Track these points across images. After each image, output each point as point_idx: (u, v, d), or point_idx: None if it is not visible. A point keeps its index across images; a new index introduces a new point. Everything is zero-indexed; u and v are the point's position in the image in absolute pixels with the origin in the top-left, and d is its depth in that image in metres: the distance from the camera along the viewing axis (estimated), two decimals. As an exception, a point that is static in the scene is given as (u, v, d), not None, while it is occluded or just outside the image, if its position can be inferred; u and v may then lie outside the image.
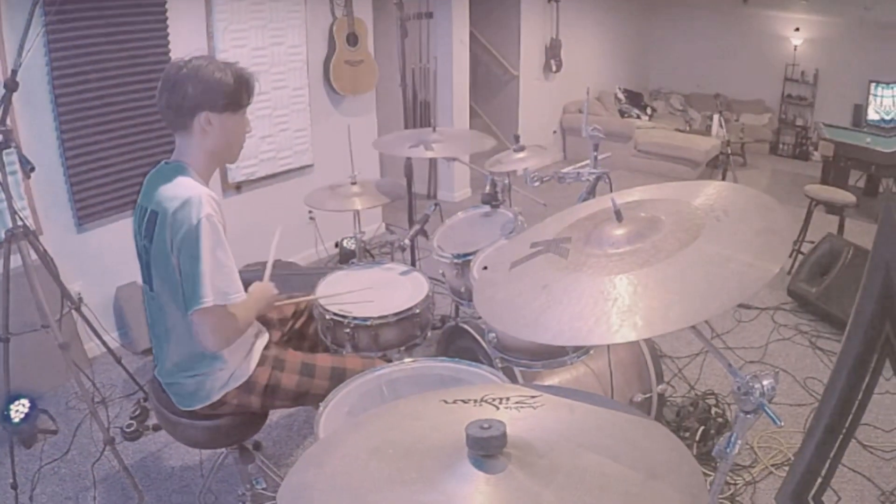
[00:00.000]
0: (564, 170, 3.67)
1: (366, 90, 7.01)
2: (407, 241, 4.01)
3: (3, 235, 3.53)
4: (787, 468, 3.60)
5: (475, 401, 1.58)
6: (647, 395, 3.37)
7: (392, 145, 4.29)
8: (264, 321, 3.07)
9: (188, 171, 2.54)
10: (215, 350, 2.56)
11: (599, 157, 3.66)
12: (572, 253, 1.84)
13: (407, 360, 2.65)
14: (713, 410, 3.85)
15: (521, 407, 1.55)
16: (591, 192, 3.59)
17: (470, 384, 2.44)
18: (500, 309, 1.85)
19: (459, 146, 4.19)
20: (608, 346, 3.16)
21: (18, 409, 3.98)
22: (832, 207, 6.49)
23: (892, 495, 3.46)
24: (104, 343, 4.29)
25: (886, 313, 2.19)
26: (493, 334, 2.87)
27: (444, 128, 4.40)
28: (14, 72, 3.27)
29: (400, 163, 4.84)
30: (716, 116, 10.47)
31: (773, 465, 3.68)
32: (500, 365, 2.90)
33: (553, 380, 3.21)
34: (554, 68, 10.44)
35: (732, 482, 3.55)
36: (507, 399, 1.58)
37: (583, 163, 3.69)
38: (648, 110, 12.23)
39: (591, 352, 2.94)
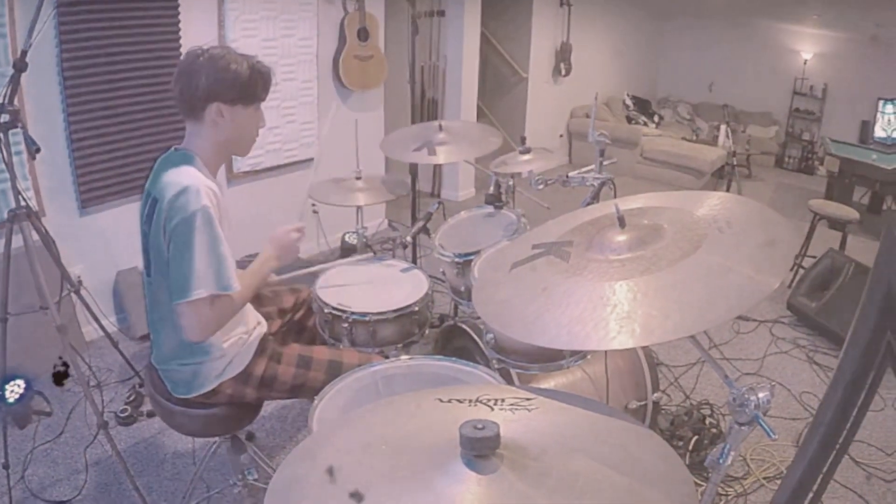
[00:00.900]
0: (569, 174, 3.66)
1: (374, 86, 7.01)
2: (409, 239, 4.01)
3: (5, 215, 3.53)
4: (779, 481, 3.60)
5: (470, 401, 1.58)
6: (643, 403, 3.37)
7: (397, 147, 4.28)
8: (263, 312, 3.07)
9: (195, 160, 2.54)
10: (199, 340, 2.55)
11: (605, 163, 3.66)
12: (573, 257, 1.85)
13: (404, 357, 2.65)
14: (707, 421, 3.85)
15: (516, 409, 1.55)
16: (595, 198, 3.59)
17: (466, 384, 2.44)
18: (498, 309, 1.85)
19: (465, 144, 4.17)
20: (605, 351, 3.16)
21: (13, 390, 3.98)
22: (835, 223, 6.49)
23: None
24: (102, 327, 4.29)
25: (888, 324, 2.18)
26: (491, 335, 2.87)
27: (450, 122, 4.37)
28: (24, 52, 3.27)
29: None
30: (723, 127, 10.46)
31: (765, 478, 3.68)
32: (496, 366, 2.90)
33: (549, 383, 3.20)
34: (563, 72, 10.45)
35: (724, 493, 3.55)
36: (503, 400, 1.58)
37: (588, 167, 3.69)
38: (656, 118, 12.23)
39: (589, 357, 2.93)
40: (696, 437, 3.68)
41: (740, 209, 1.88)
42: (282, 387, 2.82)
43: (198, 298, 2.36)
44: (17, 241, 3.45)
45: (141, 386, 4.30)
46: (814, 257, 5.95)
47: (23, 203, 3.48)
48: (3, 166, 3.36)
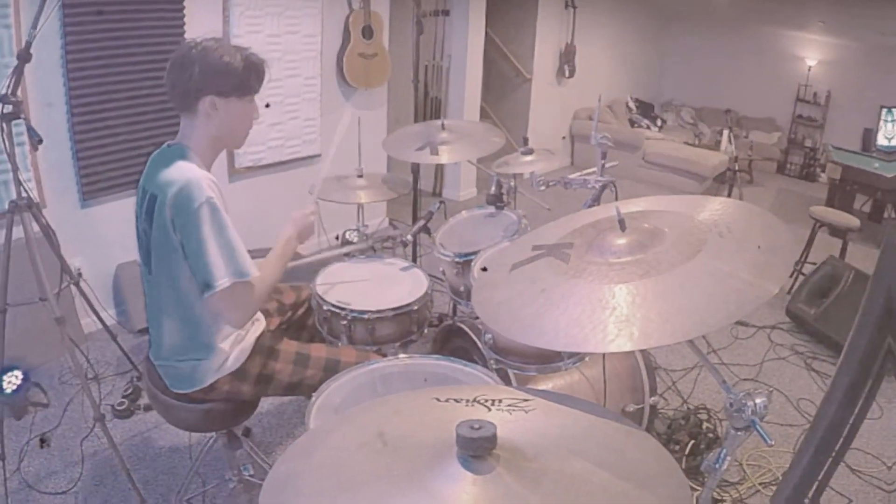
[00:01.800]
0: (571, 176, 3.67)
1: (378, 84, 7.01)
2: (409, 237, 4.00)
3: (6, 206, 3.53)
4: (774, 487, 3.60)
5: (467, 401, 1.59)
6: (640, 406, 3.38)
7: (400, 146, 4.27)
8: (262, 310, 3.07)
9: (189, 154, 2.54)
10: (241, 326, 2.63)
11: (607, 166, 3.66)
12: (573, 259, 1.85)
13: (402, 355, 2.65)
14: (704, 425, 3.85)
15: (513, 410, 1.55)
16: (597, 200, 3.59)
17: (464, 384, 2.44)
18: (497, 310, 1.85)
19: (467, 144, 4.17)
20: (603, 354, 3.17)
21: (11, 381, 3.98)
22: (836, 230, 6.49)
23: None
24: (101, 320, 4.29)
25: (889, 330, 2.18)
26: (490, 335, 2.87)
27: (452, 121, 4.37)
28: (28, 43, 3.26)
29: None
30: (725, 132, 10.45)
31: (760, 484, 3.67)
32: (494, 366, 2.90)
33: (547, 384, 3.21)
34: (567, 74, 10.44)
35: (720, 498, 3.55)
36: (500, 401, 1.58)
37: (590, 170, 3.69)
38: (659, 121, 12.22)
39: (587, 359, 2.93)
40: (692, 442, 3.68)
41: (741, 214, 1.88)
42: (278, 384, 2.82)
43: (222, 288, 2.38)
44: (17, 231, 3.45)
45: (139, 379, 4.30)
46: (814, 264, 5.95)
47: (24, 194, 3.48)
48: (6, 157, 3.37)
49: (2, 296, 3.44)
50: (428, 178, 8.75)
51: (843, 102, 11.39)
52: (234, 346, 2.70)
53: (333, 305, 3.16)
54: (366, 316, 3.14)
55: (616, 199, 3.31)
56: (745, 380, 4.82)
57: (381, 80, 6.99)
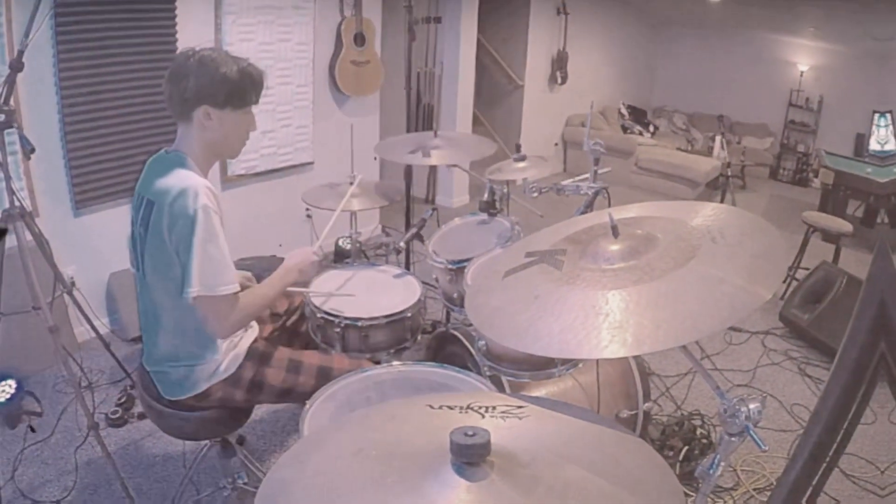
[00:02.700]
0: (564, 182, 3.67)
1: (370, 91, 7.01)
2: (402, 245, 4.01)
3: (-1, 215, 3.53)
4: (769, 493, 3.60)
5: (461, 408, 1.59)
6: (633, 412, 3.38)
7: (392, 150, 4.28)
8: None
9: (187, 161, 2.54)
10: (221, 337, 2.61)
11: (599, 172, 3.66)
12: (566, 265, 1.85)
13: (395, 363, 2.65)
14: (698, 431, 3.85)
15: (507, 417, 1.55)
16: (590, 206, 3.60)
17: (457, 391, 2.44)
18: (491, 317, 1.85)
19: (460, 152, 4.18)
20: (597, 360, 3.17)
21: (4, 390, 3.97)
22: (829, 235, 6.50)
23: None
24: (94, 328, 4.29)
25: (881, 335, 2.19)
26: (483, 342, 2.87)
27: (445, 131, 4.38)
28: (20, 52, 3.27)
29: (400, 165, 4.85)
30: (718, 138, 10.47)
31: (755, 490, 3.68)
32: (488, 373, 2.90)
33: (540, 391, 3.21)
34: (559, 80, 10.45)
35: (713, 504, 3.56)
36: (494, 408, 1.58)
37: (582, 176, 3.70)
38: (651, 127, 12.23)
39: (580, 365, 2.93)
40: (686, 448, 3.68)
41: (734, 220, 1.89)
42: (271, 391, 2.82)
43: (195, 297, 2.40)
44: (10, 240, 3.44)
45: (132, 388, 4.29)
46: (807, 269, 5.96)
47: (17, 203, 3.48)
48: (-2, 166, 3.36)
49: (-5, 305, 3.44)
50: (420, 186, 8.74)
51: (835, 107, 11.40)
52: (227, 352, 2.71)
53: (327, 313, 3.16)
54: (359, 323, 3.13)
55: (609, 205, 3.31)
56: (738, 385, 4.83)
57: (373, 87, 6.99)
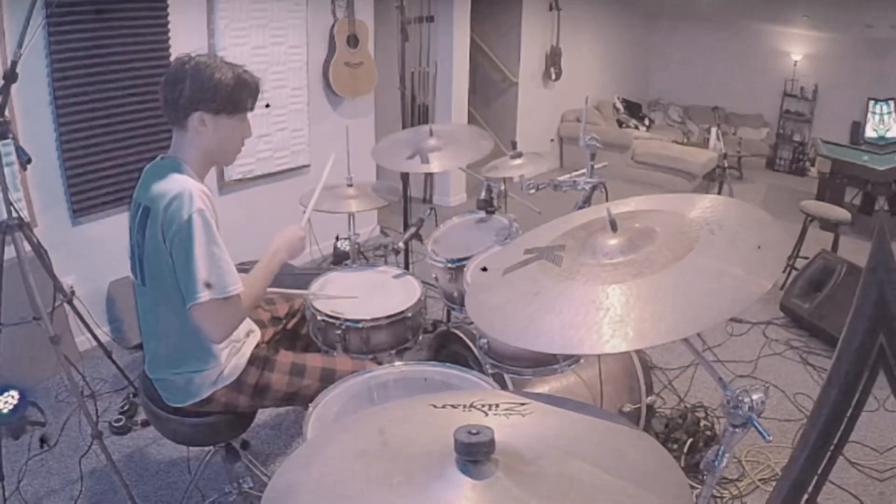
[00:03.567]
0: (561, 178, 3.67)
1: (365, 92, 7.01)
2: (401, 245, 4.01)
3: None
4: (774, 483, 3.60)
5: (464, 406, 1.59)
6: (637, 406, 3.38)
7: (389, 155, 4.27)
8: (256, 321, 3.07)
9: (182, 166, 2.53)
10: (219, 341, 2.57)
11: (596, 167, 3.66)
12: (566, 261, 1.85)
13: (398, 363, 2.65)
14: (702, 423, 3.85)
15: (511, 414, 1.55)
16: (587, 202, 3.60)
17: (460, 389, 2.44)
18: (491, 315, 1.86)
19: (458, 153, 4.17)
20: (599, 355, 3.17)
21: (7, 401, 3.97)
22: (827, 224, 6.50)
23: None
24: (95, 337, 4.28)
25: (881, 326, 2.19)
26: (485, 340, 2.86)
27: (440, 126, 4.37)
28: (14, 63, 3.26)
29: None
30: (713, 129, 10.50)
31: (760, 480, 3.68)
32: (490, 371, 2.89)
33: (543, 388, 3.21)
34: (553, 76, 10.45)
35: (719, 495, 3.55)
36: (497, 406, 1.58)
37: (579, 171, 3.70)
38: (646, 121, 12.24)
39: (582, 361, 2.93)
40: (690, 440, 3.68)
41: (732, 211, 1.89)
42: (275, 395, 2.81)
43: (203, 302, 2.37)
44: (9, 252, 3.44)
45: (135, 395, 4.29)
46: (806, 258, 5.96)
47: (14, 214, 3.48)
48: (-5, 177, 3.36)
49: (-5, 316, 3.44)
50: (418, 185, 8.74)
51: (830, 96, 11.42)
52: (229, 357, 2.70)
53: (327, 315, 3.15)
54: (360, 325, 3.13)
55: (606, 199, 3.31)
56: (741, 376, 4.83)
57: (367, 88, 6.99)
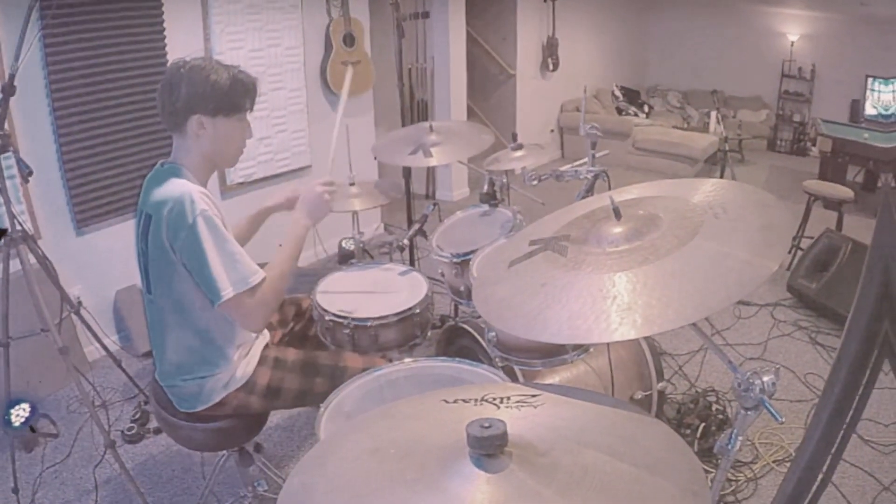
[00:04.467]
0: (562, 168, 3.67)
1: (363, 90, 7.01)
2: (406, 242, 4.01)
3: (1, 240, 3.53)
4: (788, 464, 3.60)
5: (476, 400, 1.59)
6: (648, 393, 3.37)
7: (390, 151, 4.26)
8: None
9: (182, 172, 2.53)
10: (258, 329, 2.67)
11: (597, 155, 3.66)
12: (571, 251, 1.84)
13: (407, 359, 2.65)
14: (714, 407, 3.85)
15: (522, 406, 1.55)
16: (590, 191, 3.60)
17: (470, 383, 2.44)
18: (499, 308, 1.85)
19: (459, 145, 4.16)
20: (608, 344, 3.16)
21: (19, 414, 3.98)
22: (830, 203, 6.49)
23: (892, 489, 3.47)
24: (104, 346, 4.29)
25: (885, 312, 2.18)
26: (493, 333, 2.86)
27: (440, 122, 4.36)
28: (11, 76, 3.27)
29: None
30: (713, 113, 10.47)
31: (774, 462, 3.68)
32: (500, 364, 2.89)
33: (553, 378, 3.20)
34: (551, 67, 10.44)
35: (734, 479, 3.55)
36: (508, 398, 1.58)
37: (581, 161, 3.70)
38: (646, 108, 12.22)
39: (591, 350, 2.93)
40: (703, 425, 3.68)
41: (735, 194, 1.88)
42: (287, 395, 2.81)
43: (229, 298, 2.40)
44: (14, 265, 3.45)
45: (146, 403, 4.30)
46: (811, 238, 5.95)
47: (18, 227, 3.48)
48: (-3, 191, 3.37)
49: (3, 330, 3.44)
50: (420, 181, 8.74)
51: (828, 75, 11.39)
52: (239, 360, 2.70)
53: (335, 315, 3.15)
54: (368, 323, 3.13)
55: (609, 188, 3.32)
56: (750, 359, 4.83)
57: (365, 86, 6.99)
